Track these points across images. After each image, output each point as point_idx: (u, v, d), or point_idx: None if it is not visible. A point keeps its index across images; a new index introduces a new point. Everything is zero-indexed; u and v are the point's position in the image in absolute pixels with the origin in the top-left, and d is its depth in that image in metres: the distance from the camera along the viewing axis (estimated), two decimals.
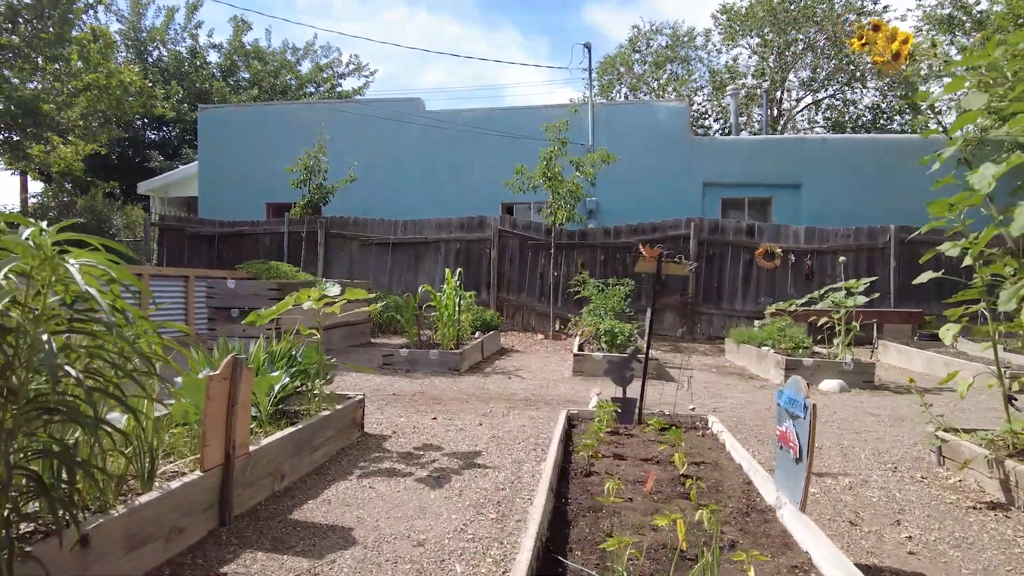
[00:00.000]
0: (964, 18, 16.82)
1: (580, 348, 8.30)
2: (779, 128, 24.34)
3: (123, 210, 16.31)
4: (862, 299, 7.36)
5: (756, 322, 11.82)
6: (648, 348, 4.40)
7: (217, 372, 2.82)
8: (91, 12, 13.71)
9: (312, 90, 27.89)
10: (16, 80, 12.05)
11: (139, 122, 24.24)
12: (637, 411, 4.23)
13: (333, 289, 3.94)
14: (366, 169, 15.02)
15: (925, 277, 4.12)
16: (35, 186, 24.75)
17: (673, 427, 4.14)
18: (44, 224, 1.99)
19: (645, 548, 2.33)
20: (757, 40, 24.99)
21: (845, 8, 22.21)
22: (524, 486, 3.58)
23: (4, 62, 11.86)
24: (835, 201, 14.35)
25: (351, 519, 3.04)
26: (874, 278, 10.73)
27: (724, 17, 24.69)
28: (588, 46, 15.89)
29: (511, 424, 5.08)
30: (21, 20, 11.41)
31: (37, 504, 2.13)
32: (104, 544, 2.21)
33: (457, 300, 8.23)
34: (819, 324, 7.69)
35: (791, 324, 8.86)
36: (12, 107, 11.90)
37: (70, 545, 2.05)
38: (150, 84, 15.68)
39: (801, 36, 22.85)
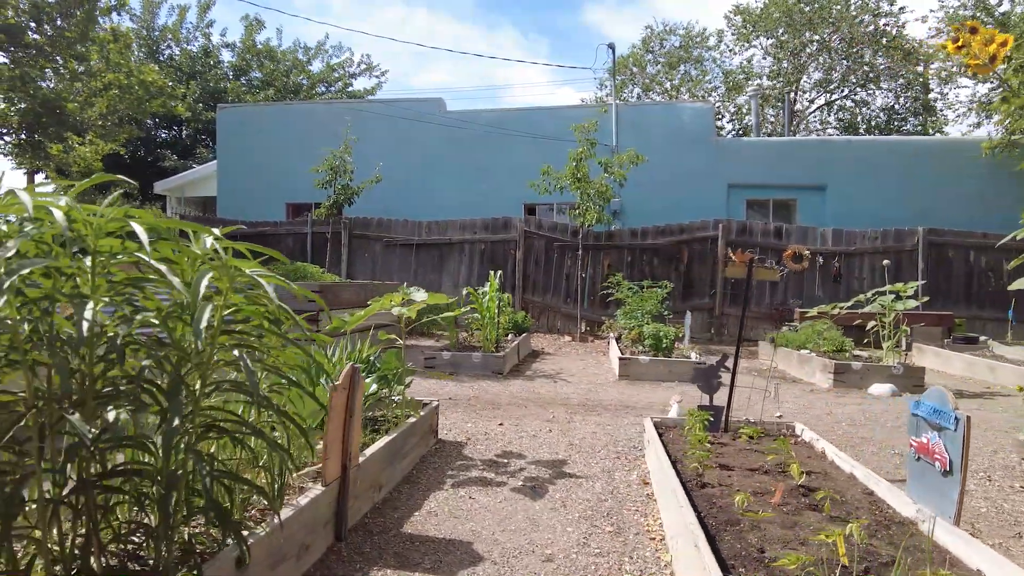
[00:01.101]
0: (987, 19, 16.77)
1: (624, 352, 8.21)
2: (793, 129, 24.29)
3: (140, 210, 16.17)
4: (912, 303, 7.29)
5: (784, 325, 11.78)
6: (737, 356, 4.32)
7: (338, 382, 2.74)
8: (114, 13, 13.57)
9: (323, 90, 27.78)
10: (42, 82, 11.94)
11: (150, 121, 24.11)
12: (724, 419, 4.15)
13: (419, 294, 3.86)
14: (386, 169, 14.91)
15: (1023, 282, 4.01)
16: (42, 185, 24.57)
17: (763, 435, 4.06)
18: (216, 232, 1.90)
19: (804, 564, 2.25)
20: (770, 41, 24.94)
21: (861, 9, 22.15)
22: (625, 496, 3.50)
23: (28, 61, 11.75)
24: (860, 203, 14.28)
25: (465, 532, 2.96)
26: (922, 282, 10.67)
27: (739, 18, 24.62)
28: (612, 46, 15.82)
29: (581, 431, 5.00)
30: (45, 19, 11.30)
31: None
32: (253, 564, 2.13)
33: (497, 303, 8.15)
34: (868, 327, 7.62)
35: (830, 327, 8.79)
36: (36, 107, 11.79)
37: (232, 564, 1.97)
38: (170, 84, 15.54)
39: (816, 37, 22.78)
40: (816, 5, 22.43)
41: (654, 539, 2.95)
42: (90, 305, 1.49)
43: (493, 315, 8.14)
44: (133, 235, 1.72)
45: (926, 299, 9.49)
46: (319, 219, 13.24)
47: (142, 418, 1.91)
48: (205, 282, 1.57)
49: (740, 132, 26.07)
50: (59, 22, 12.18)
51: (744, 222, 12.94)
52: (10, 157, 18.24)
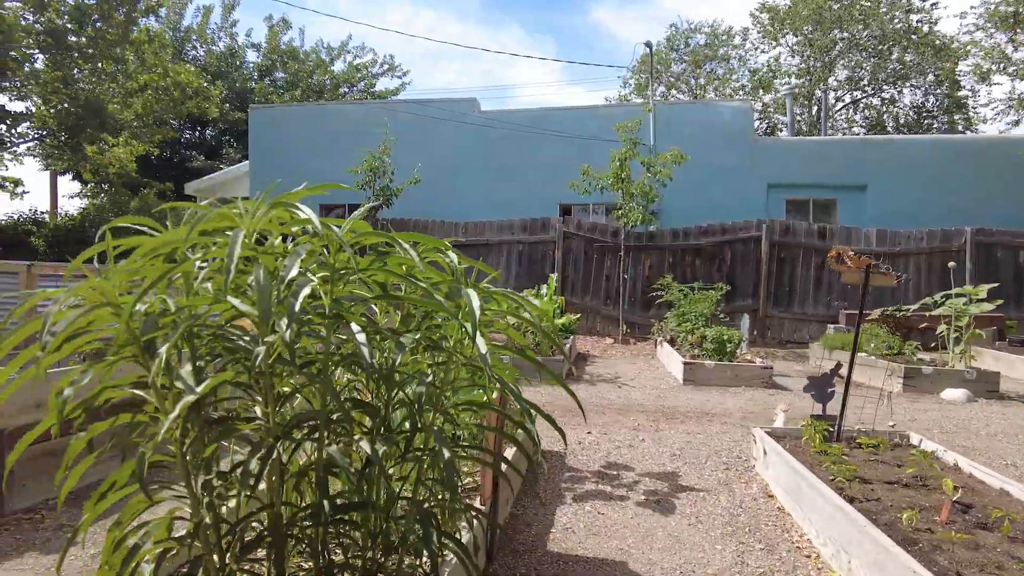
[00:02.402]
0: None
1: (685, 356, 8.08)
2: (820, 128, 24.05)
3: (175, 211, 16.20)
4: (988, 306, 7.13)
5: (830, 326, 11.61)
6: (852, 364, 4.20)
7: (494, 396, 2.65)
8: (152, 14, 13.58)
9: (346, 91, 27.77)
10: (84, 84, 11.95)
11: (174, 122, 24.17)
12: (837, 429, 4.03)
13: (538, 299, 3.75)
14: (420, 170, 14.85)
15: None
16: (62, 186, 24.68)
17: (880, 446, 3.94)
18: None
19: None
20: (796, 39, 24.68)
21: (891, 6, 21.85)
22: (756, 511, 3.39)
23: (69, 63, 11.76)
24: (901, 202, 14.08)
25: (613, 551, 2.86)
26: (993, 285, 10.48)
27: (765, 15, 24.36)
28: (649, 44, 15.64)
29: (674, 440, 4.89)
30: (87, 20, 11.30)
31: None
32: None
33: (555, 305, 8.06)
34: (937, 331, 7.47)
35: (887, 331, 8.62)
36: (78, 109, 11.80)
37: None
38: (204, 84, 15.54)
39: (846, 34, 22.52)
40: (846, 1, 22.16)
41: (808, 556, 2.84)
42: (355, 327, 1.40)
43: (551, 318, 8.04)
44: (362, 250, 1.64)
45: (1001, 303, 9.32)
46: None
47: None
48: (476, 304, 1.47)
49: (768, 131, 25.83)
50: (99, 24, 12.19)
51: (787, 222, 12.76)
52: (39, 158, 18.37)
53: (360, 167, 12.70)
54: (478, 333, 1.44)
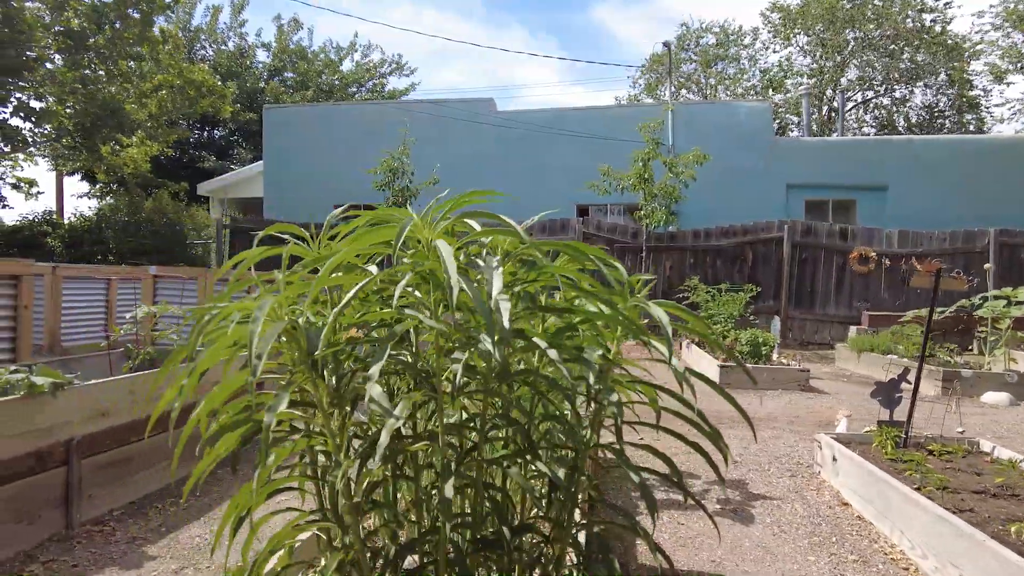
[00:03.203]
0: None
1: (718, 358, 8.01)
2: (831, 128, 23.97)
3: (188, 212, 16.14)
4: None
5: (852, 328, 11.55)
6: (920, 369, 4.13)
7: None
8: (169, 12, 13.49)
9: (354, 90, 27.69)
10: (101, 85, 11.88)
11: (183, 122, 24.10)
12: (906, 435, 3.96)
13: None
14: (439, 171, 14.78)
15: None
16: (69, 187, 24.39)
17: (951, 452, 3.87)
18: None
19: None
20: (807, 39, 24.60)
21: (904, 5, 21.78)
22: (835, 519, 3.33)
23: (87, 64, 11.68)
24: (921, 203, 14.00)
25: (705, 563, 2.80)
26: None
27: (775, 15, 24.28)
28: (668, 44, 15.56)
29: (730, 444, 4.81)
30: (106, 21, 11.22)
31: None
32: None
33: None
34: (979, 333, 7.40)
35: (920, 333, 8.55)
36: (96, 109, 11.73)
37: None
38: (219, 83, 15.48)
39: (859, 34, 22.44)
40: (858, 1, 22.09)
41: (906, 569, 2.77)
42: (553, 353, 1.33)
43: None
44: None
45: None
46: None
47: None
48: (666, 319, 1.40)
49: (779, 130, 25.75)
50: (117, 24, 12.11)
51: (809, 223, 12.69)
52: (48, 158, 18.28)
53: (379, 167, 12.63)
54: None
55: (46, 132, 11.26)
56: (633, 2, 59.42)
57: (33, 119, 10.57)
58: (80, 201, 41.53)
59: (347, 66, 28.07)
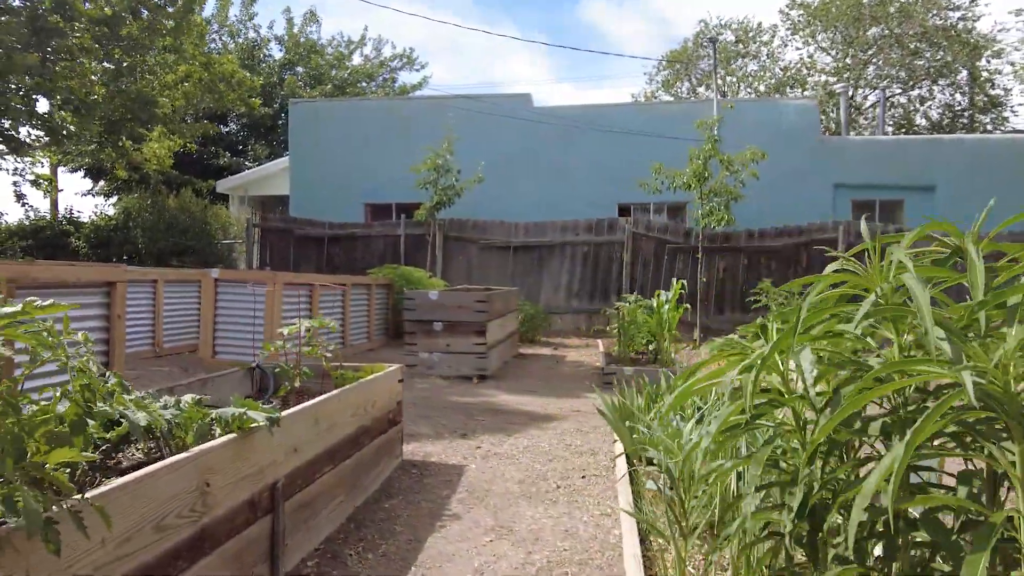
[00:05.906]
0: None
1: None
2: (855, 127, 23.79)
3: (213, 210, 15.54)
4: None
5: None
6: None
7: None
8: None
9: (364, 85, 27.10)
10: (133, 76, 11.29)
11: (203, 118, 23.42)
12: None
13: None
14: (468, 169, 14.36)
15: None
16: (73, 182, 23.59)
17: None
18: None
19: None
20: (824, 35, 24.39)
21: (929, 2, 21.60)
22: None
23: (120, 54, 11.09)
24: (971, 204, 13.66)
25: None
26: None
27: (797, 13, 24.00)
28: (714, 41, 15.21)
29: None
30: (144, 8, 10.64)
31: None
32: None
33: (680, 313, 7.63)
34: None
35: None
36: (127, 101, 11.14)
37: None
38: (249, 76, 14.92)
39: (884, 31, 22.25)
40: None
41: None
42: None
43: (672, 325, 7.61)
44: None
45: None
46: (420, 220, 12.71)
47: None
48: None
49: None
50: (145, 13, 11.52)
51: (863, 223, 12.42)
52: (57, 155, 17.57)
53: (423, 164, 12.17)
54: None
55: (84, 126, 10.64)
56: (623, 3, 59.23)
57: (83, 111, 9.95)
58: (80, 200, 40.50)
59: (356, 60, 27.49)
